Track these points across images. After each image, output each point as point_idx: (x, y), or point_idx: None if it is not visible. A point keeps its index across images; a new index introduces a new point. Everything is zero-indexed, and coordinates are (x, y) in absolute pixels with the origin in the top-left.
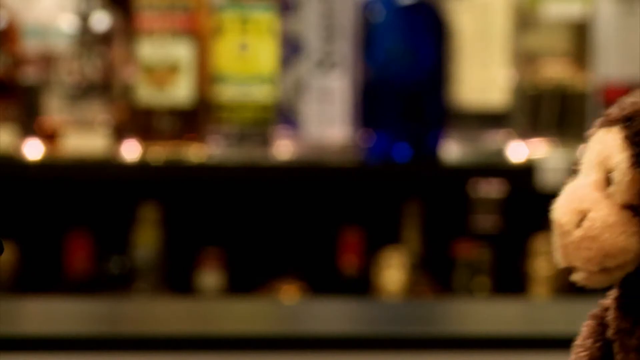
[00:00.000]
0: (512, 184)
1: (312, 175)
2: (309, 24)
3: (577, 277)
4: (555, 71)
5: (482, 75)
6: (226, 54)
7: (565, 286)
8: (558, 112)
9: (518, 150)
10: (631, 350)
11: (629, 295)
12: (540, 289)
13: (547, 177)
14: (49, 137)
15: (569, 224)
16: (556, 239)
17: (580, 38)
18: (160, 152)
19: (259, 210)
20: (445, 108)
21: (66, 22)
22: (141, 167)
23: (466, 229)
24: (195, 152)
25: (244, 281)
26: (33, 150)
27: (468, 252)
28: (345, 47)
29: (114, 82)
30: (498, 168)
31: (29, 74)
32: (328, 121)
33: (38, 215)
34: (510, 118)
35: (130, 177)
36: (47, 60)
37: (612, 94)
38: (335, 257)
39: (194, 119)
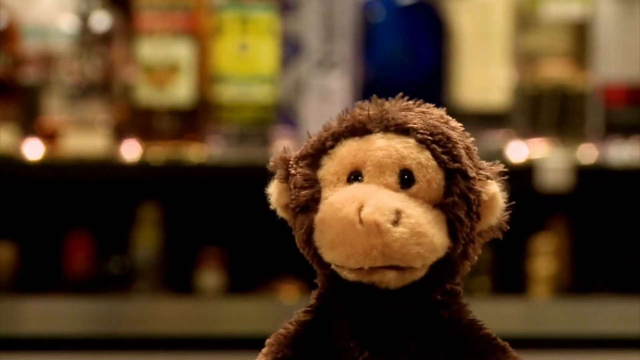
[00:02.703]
0: (512, 184)
1: None
2: (309, 24)
3: (391, 276)
4: (555, 71)
5: (482, 75)
6: (226, 54)
7: (565, 286)
8: (558, 112)
9: (518, 150)
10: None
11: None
12: (540, 289)
13: (547, 177)
14: (49, 137)
15: (387, 222)
16: (365, 239)
17: (580, 38)
18: (160, 152)
19: (259, 210)
20: (445, 108)
21: (66, 22)
22: (141, 167)
23: None
24: (195, 152)
25: (244, 281)
26: (33, 150)
27: None
28: (345, 47)
29: (114, 82)
30: None
31: (29, 74)
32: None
33: (38, 215)
34: (510, 118)
35: (130, 177)
36: (47, 60)
37: (612, 94)
38: None
39: (194, 119)
